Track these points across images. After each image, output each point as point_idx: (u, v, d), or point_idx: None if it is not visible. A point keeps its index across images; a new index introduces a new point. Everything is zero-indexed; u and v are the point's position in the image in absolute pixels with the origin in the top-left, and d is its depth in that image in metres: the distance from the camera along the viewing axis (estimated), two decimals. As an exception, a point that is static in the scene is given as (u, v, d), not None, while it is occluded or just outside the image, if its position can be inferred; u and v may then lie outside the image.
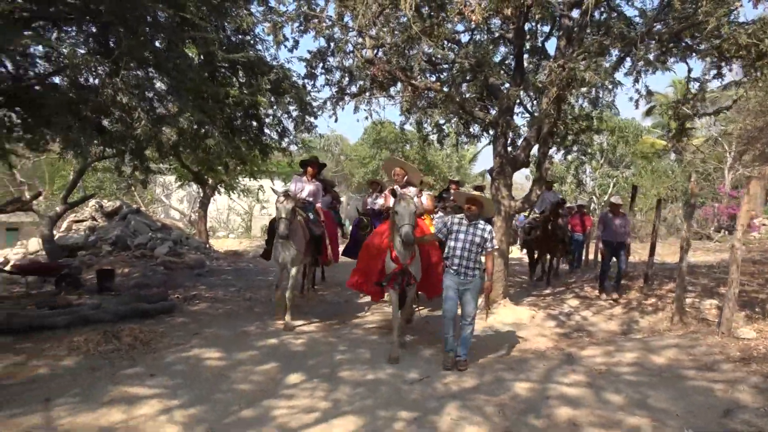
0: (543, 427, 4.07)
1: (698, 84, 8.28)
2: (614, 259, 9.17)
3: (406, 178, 6.75)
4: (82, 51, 5.44)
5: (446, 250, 5.50)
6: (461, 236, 5.38)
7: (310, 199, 7.99)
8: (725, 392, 4.82)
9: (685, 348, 6.20)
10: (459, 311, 5.56)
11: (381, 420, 4.12)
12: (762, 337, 6.04)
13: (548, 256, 10.82)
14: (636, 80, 8.27)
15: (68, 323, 6.25)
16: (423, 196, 6.92)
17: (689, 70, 8.32)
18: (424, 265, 6.03)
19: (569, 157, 12.42)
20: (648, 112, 12.75)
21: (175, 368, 5.10)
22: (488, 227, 5.45)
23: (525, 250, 11.98)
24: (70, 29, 6.88)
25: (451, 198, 8.75)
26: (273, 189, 7.17)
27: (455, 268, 5.36)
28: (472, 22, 6.16)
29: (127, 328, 6.14)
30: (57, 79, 6.97)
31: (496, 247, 5.54)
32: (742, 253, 6.40)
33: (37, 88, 6.69)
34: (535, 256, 10.93)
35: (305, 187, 7.96)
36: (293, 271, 6.94)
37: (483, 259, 5.55)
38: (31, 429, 3.59)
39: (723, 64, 7.35)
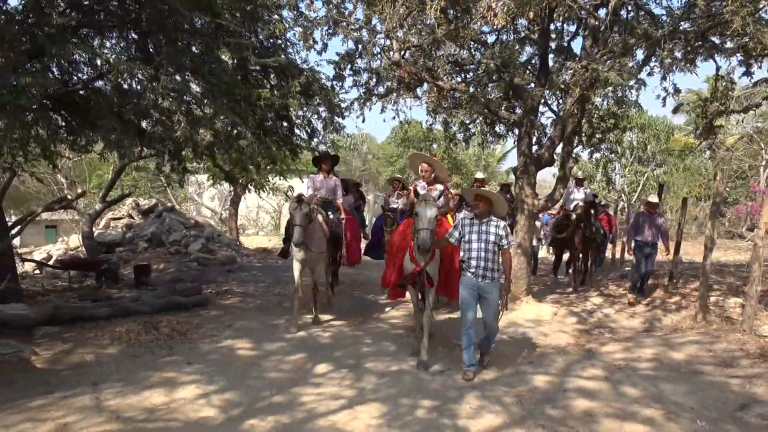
0: (559, 417, 4.23)
1: (726, 82, 8.28)
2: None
3: (433, 174, 6.55)
4: (124, 58, 5.74)
5: (461, 252, 5.20)
6: (474, 236, 5.06)
7: (330, 197, 7.82)
8: (742, 387, 4.91)
9: (705, 345, 6.28)
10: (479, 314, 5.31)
11: (403, 407, 4.34)
12: (781, 331, 6.06)
13: (581, 257, 10.26)
14: (664, 78, 8.31)
15: (109, 315, 6.64)
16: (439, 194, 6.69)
17: (717, 68, 8.31)
18: (446, 266, 5.72)
19: (596, 156, 12.47)
20: (675, 110, 12.68)
21: (210, 357, 5.42)
22: (502, 223, 5.11)
23: (552, 249, 11.86)
24: (111, 36, 7.29)
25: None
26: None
27: (473, 270, 5.03)
28: (494, 27, 6.28)
29: (164, 319, 6.51)
30: (99, 84, 7.40)
31: (513, 244, 5.31)
32: (765, 252, 6.42)
33: (81, 92, 7.11)
34: (563, 256, 10.69)
35: (323, 185, 7.78)
36: (317, 268, 6.95)
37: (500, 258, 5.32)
38: (83, 409, 3.91)
39: (751, 62, 7.35)
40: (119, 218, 14.93)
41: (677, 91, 8.88)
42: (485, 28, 8.14)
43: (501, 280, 5.23)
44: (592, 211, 9.68)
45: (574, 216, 9.64)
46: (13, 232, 7.31)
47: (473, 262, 5.02)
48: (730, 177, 24.11)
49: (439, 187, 6.51)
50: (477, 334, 5.17)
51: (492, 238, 5.01)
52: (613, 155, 21.27)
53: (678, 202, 21.26)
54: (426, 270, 5.36)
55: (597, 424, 4.13)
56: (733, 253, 16.50)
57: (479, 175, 10.08)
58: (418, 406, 4.37)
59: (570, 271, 10.72)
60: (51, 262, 10.93)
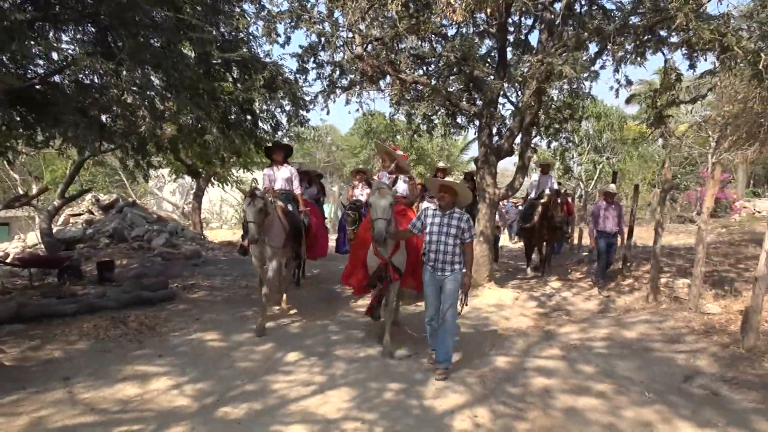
0: (519, 394, 4.50)
1: (674, 74, 8.71)
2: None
3: (393, 164, 6.43)
4: (85, 52, 5.67)
5: (423, 244, 5.11)
6: (435, 228, 4.91)
7: (287, 187, 7.49)
8: (687, 361, 5.29)
9: (654, 323, 6.69)
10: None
11: (372, 391, 4.53)
12: (725, 312, 6.51)
13: (545, 246, 10.15)
14: (616, 70, 8.68)
15: (75, 311, 6.59)
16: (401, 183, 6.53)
17: (665, 61, 8.72)
18: (413, 258, 5.48)
19: (553, 145, 12.89)
20: (628, 101, 13.11)
21: (180, 349, 5.50)
22: (465, 216, 4.93)
23: (519, 238, 11.91)
24: (67, 30, 7.16)
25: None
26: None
27: (432, 263, 4.92)
28: (453, 22, 6.46)
29: (132, 314, 6.53)
30: (57, 78, 7.27)
31: (474, 238, 5.09)
32: (707, 234, 6.86)
33: (38, 87, 6.99)
34: (532, 244, 10.52)
35: (277, 176, 7.47)
36: (273, 264, 6.40)
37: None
38: (56, 403, 3.96)
39: (695, 55, 7.75)
40: (79, 214, 14.60)
41: (629, 82, 9.27)
42: (445, 22, 8.31)
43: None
44: (558, 200, 9.41)
45: (540, 206, 9.55)
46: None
47: (432, 255, 4.90)
48: (680, 164, 25.13)
49: (404, 177, 6.45)
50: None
51: (453, 231, 4.86)
52: (570, 144, 21.91)
53: (632, 188, 22.11)
54: (391, 262, 5.28)
55: (554, 400, 4.41)
56: (684, 237, 17.20)
57: (441, 164, 9.72)
58: (386, 389, 4.57)
59: (534, 257, 10.69)
60: (9, 260, 10.65)
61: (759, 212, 19.89)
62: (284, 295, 7.50)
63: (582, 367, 5.22)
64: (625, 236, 9.16)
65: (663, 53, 8.45)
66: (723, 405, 4.28)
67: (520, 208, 19.57)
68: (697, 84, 18.08)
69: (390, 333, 5.55)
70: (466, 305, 5.03)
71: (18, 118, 7.29)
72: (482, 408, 4.19)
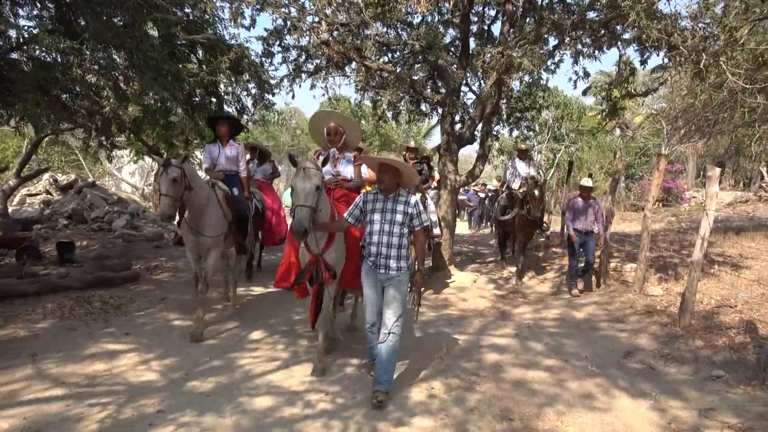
0: (472, 369, 4.79)
1: (628, 67, 9.13)
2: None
3: (344, 138, 5.04)
4: (46, 30, 5.60)
5: (364, 235, 4.24)
6: (376, 216, 4.07)
7: (233, 168, 6.50)
8: (628, 339, 5.70)
9: (602, 305, 7.12)
10: None
11: (335, 366, 4.75)
12: (667, 294, 6.97)
13: (523, 241, 9.06)
14: (575, 62, 9.05)
15: (38, 291, 6.59)
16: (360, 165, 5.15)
17: (620, 55, 9.12)
18: (354, 254, 4.53)
19: (515, 133, 13.29)
20: (584, 92, 13.60)
21: (146, 328, 5.59)
22: (412, 199, 4.11)
23: (481, 228, 11.51)
24: (24, 5, 7.02)
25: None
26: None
27: (372, 258, 4.07)
28: (418, 13, 6.62)
29: (96, 294, 6.58)
30: (13, 56, 7.14)
31: (426, 224, 4.23)
32: (654, 222, 7.31)
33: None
34: (509, 237, 9.85)
35: (221, 154, 6.44)
36: (210, 259, 5.60)
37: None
38: (26, 378, 4.05)
39: (647, 51, 8.15)
40: (35, 194, 14.25)
41: (587, 74, 9.67)
42: (410, 11, 8.47)
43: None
44: (536, 192, 8.28)
45: (519, 196, 8.81)
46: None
47: (373, 248, 4.07)
48: (636, 154, 26.03)
49: (349, 155, 5.15)
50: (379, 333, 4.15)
51: (399, 217, 4.04)
52: (531, 133, 22.44)
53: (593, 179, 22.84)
54: (323, 259, 4.31)
55: (505, 373, 4.72)
56: (637, 225, 17.99)
57: (411, 143, 8.58)
58: (347, 365, 4.80)
59: (515, 253, 9.73)
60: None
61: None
62: (231, 290, 6.68)
63: (533, 344, 5.56)
64: (603, 235, 8.15)
65: (618, 48, 8.88)
66: (658, 377, 4.67)
67: (482, 195, 20.01)
68: (653, 77, 18.81)
69: (323, 350, 4.62)
70: (419, 307, 4.17)
71: None
72: (437, 381, 4.46)
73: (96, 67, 6.08)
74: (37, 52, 6.57)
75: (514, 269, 9.41)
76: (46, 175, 14.51)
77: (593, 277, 8.34)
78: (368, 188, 5.17)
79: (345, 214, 4.27)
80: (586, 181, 8.19)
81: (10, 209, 12.79)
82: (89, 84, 5.87)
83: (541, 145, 25.44)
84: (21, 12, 7.15)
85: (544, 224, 9.28)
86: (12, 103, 6.53)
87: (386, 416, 3.78)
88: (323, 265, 4.31)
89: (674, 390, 4.37)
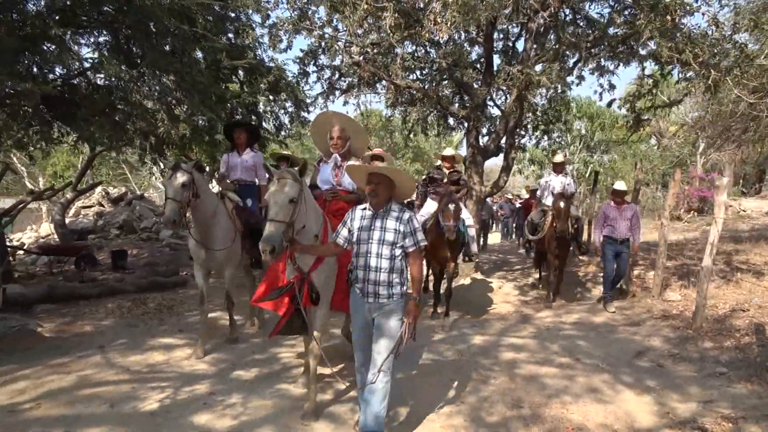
0: (489, 365, 5.22)
1: (653, 80, 9.46)
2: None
3: (348, 144, 4.43)
4: (114, 61, 6.34)
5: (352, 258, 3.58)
6: (363, 234, 3.43)
7: (250, 178, 6.10)
8: (642, 341, 6.02)
9: (621, 309, 7.44)
10: None
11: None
12: (684, 299, 7.23)
13: (556, 263, 8.08)
14: (601, 75, 9.44)
15: (99, 293, 7.34)
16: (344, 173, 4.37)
17: (643, 69, 9.44)
18: (345, 273, 3.80)
19: (542, 145, 13.64)
20: (609, 105, 13.57)
21: (196, 326, 6.19)
22: (406, 215, 3.44)
23: (513, 239, 10.56)
24: (85, 35, 7.82)
25: (444, 180, 7.29)
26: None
27: (359, 285, 3.45)
28: (440, 37, 7.10)
29: (150, 296, 7.27)
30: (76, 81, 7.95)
31: (423, 244, 3.46)
32: (671, 231, 7.60)
33: (59, 89, 7.67)
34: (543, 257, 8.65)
35: (236, 163, 6.09)
36: (227, 273, 5.46)
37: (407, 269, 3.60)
38: (96, 365, 4.70)
39: (663, 67, 8.48)
40: (89, 206, 15.31)
41: (612, 86, 10.01)
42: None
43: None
44: (562, 204, 7.41)
45: (549, 215, 7.96)
46: (5, 219, 7.84)
47: (360, 273, 3.43)
48: (671, 163, 25.83)
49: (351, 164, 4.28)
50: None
51: (390, 236, 3.38)
52: (562, 143, 22.61)
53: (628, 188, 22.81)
54: (309, 279, 3.71)
55: (519, 369, 5.13)
56: (670, 234, 18.03)
57: (448, 151, 7.72)
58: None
59: (542, 275, 8.97)
60: (26, 249, 11.36)
61: (744, 211, 20.63)
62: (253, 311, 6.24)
63: (549, 345, 5.94)
64: (637, 243, 7.60)
65: (636, 64, 9.20)
66: (664, 375, 4.99)
67: (518, 205, 20.28)
68: (678, 88, 18.87)
69: (314, 390, 3.97)
70: (414, 340, 3.44)
71: (36, 117, 8.03)
72: (455, 374, 4.91)
73: (153, 92, 6.79)
74: (99, 80, 7.38)
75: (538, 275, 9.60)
76: (99, 189, 15.55)
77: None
78: None
79: (332, 236, 3.63)
80: (619, 185, 7.60)
81: (67, 220, 13.81)
82: (146, 108, 6.57)
83: (573, 156, 25.52)
84: (81, 40, 8.02)
85: (582, 245, 8.56)
86: (78, 127, 7.32)
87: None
88: (306, 286, 3.67)
89: (678, 385, 4.69)
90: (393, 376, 3.51)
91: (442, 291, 7.28)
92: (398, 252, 3.40)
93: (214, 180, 8.26)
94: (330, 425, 3.84)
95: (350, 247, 3.54)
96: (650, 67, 9.19)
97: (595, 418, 4.03)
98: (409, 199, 6.55)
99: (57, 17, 6.74)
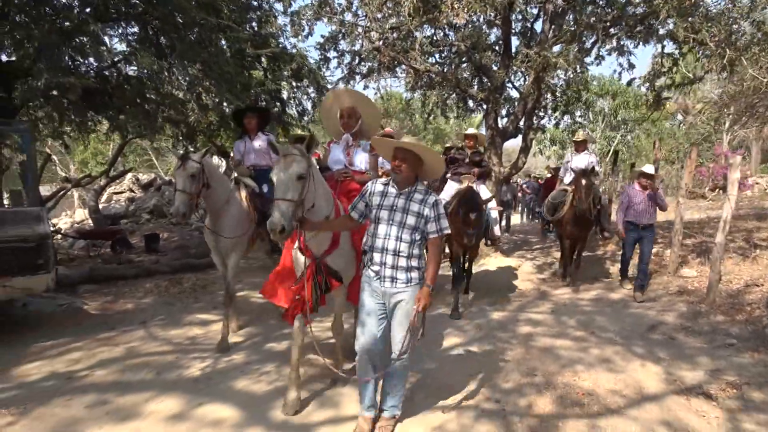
0: (506, 338, 5.49)
1: (672, 59, 9.48)
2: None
3: (360, 122, 4.26)
4: (145, 53, 6.68)
5: (365, 237, 3.37)
6: (384, 214, 3.21)
7: (264, 162, 5.81)
8: (656, 316, 6.21)
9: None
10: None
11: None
12: (700, 276, 7.37)
13: (576, 244, 7.91)
14: (620, 54, 9.49)
15: (136, 274, 7.79)
16: (361, 154, 4.30)
17: (662, 47, 9.46)
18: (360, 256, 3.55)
19: (564, 125, 13.71)
20: (629, 84, 13.48)
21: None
22: (432, 198, 3.23)
23: (536, 220, 9.76)
24: (114, 28, 8.16)
25: (465, 160, 7.01)
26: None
27: (376, 268, 3.23)
28: (457, 23, 7.24)
29: (185, 277, 7.68)
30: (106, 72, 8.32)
31: (446, 231, 3.27)
32: (684, 208, 7.73)
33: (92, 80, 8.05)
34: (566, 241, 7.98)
35: (249, 149, 5.89)
36: (231, 261, 5.27)
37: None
38: (141, 338, 5.11)
39: (680, 45, 8.50)
40: (121, 192, 15.89)
41: (631, 66, 10.05)
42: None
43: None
44: (583, 181, 7.01)
45: (569, 193, 7.62)
46: (48, 205, 8.31)
47: (377, 256, 3.23)
48: (696, 140, 25.48)
49: (365, 143, 4.30)
50: (382, 361, 3.39)
51: (411, 220, 3.18)
52: (584, 122, 22.47)
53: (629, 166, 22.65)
54: (327, 263, 3.56)
55: (535, 342, 5.39)
56: (695, 212, 17.91)
57: (470, 130, 7.44)
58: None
59: (565, 261, 8.29)
60: (64, 233, 11.92)
61: (770, 188, 20.39)
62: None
63: (565, 319, 6.18)
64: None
65: (660, 43, 9.22)
66: (675, 346, 5.20)
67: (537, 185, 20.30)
68: (700, 66, 18.60)
69: (341, 358, 4.13)
70: (422, 335, 3.32)
71: (70, 107, 8.45)
72: (474, 346, 5.19)
73: (182, 82, 7.12)
74: (130, 71, 7.74)
75: (557, 253, 9.50)
76: (129, 175, 16.10)
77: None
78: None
79: (349, 208, 3.42)
80: (649, 168, 7.09)
81: (100, 206, 14.38)
82: (176, 97, 6.91)
83: (595, 133, 25.35)
84: (111, 32, 8.38)
85: (606, 232, 8.20)
86: (111, 116, 7.72)
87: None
88: (325, 270, 3.54)
89: (688, 356, 4.90)
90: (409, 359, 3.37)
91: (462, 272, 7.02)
92: (418, 237, 3.20)
93: None
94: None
95: (365, 221, 3.35)
96: (669, 46, 9.21)
97: (605, 385, 4.27)
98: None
99: (89, 11, 7.12)
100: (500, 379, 4.39)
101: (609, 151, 25.10)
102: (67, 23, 6.63)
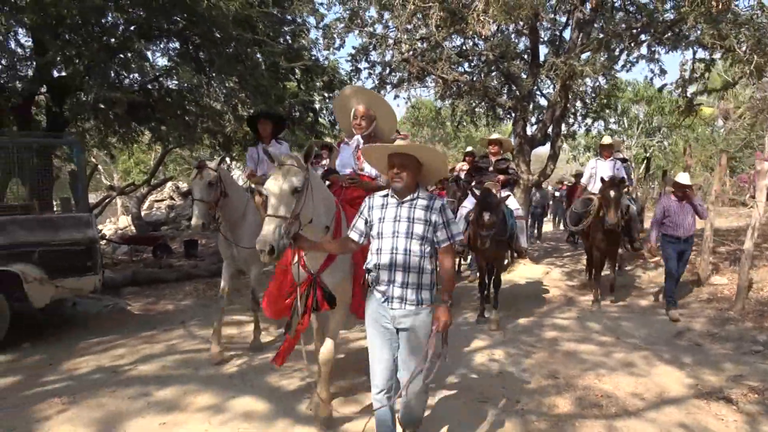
0: (531, 342, 5.59)
1: (703, 65, 9.43)
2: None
3: (374, 123, 3.95)
4: (187, 68, 7.07)
5: (368, 255, 2.95)
6: (387, 227, 2.84)
7: None
8: (683, 322, 6.20)
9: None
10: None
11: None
12: (730, 283, 7.30)
13: (604, 258, 7.28)
14: (651, 61, 9.49)
15: (176, 278, 8.17)
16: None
17: (694, 53, 9.42)
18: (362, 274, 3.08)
19: (595, 131, 13.69)
20: (660, 90, 13.24)
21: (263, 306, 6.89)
22: (437, 203, 2.86)
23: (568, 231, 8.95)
24: (155, 44, 8.61)
25: (489, 169, 6.67)
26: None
27: (382, 288, 2.83)
28: (483, 35, 7.42)
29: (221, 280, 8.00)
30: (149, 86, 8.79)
31: (459, 238, 2.93)
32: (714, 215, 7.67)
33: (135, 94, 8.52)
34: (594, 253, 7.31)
35: (262, 156, 5.43)
36: (253, 272, 5.18)
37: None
38: (180, 336, 5.43)
39: (715, 50, 8.46)
40: (162, 200, 16.52)
41: (663, 72, 10.04)
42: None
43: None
44: (613, 193, 6.38)
45: (595, 202, 7.01)
46: (95, 212, 8.80)
47: (383, 274, 2.83)
48: (736, 146, 24.82)
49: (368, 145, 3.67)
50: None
51: (419, 229, 2.80)
52: (618, 128, 22.22)
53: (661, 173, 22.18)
54: (320, 279, 3.24)
55: (559, 346, 5.48)
56: (733, 220, 17.47)
57: (494, 135, 6.99)
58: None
59: (593, 275, 7.57)
60: (108, 239, 12.52)
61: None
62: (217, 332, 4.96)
63: (591, 325, 6.23)
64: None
65: (690, 49, 9.18)
66: (701, 352, 5.22)
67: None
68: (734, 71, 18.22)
69: (325, 397, 3.66)
70: (445, 359, 2.86)
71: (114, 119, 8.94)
72: (499, 350, 5.32)
73: (219, 95, 7.49)
74: (171, 84, 8.18)
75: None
76: (170, 183, 16.72)
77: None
78: None
79: (349, 231, 3.04)
80: (683, 177, 6.47)
81: (142, 213, 14.99)
82: (215, 109, 7.28)
83: (630, 140, 24.99)
84: (152, 47, 8.84)
85: (636, 241, 7.59)
86: (154, 128, 8.16)
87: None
88: (319, 287, 3.21)
89: (712, 362, 4.92)
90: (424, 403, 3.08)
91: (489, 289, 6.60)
92: (428, 248, 2.81)
93: None
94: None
95: (367, 241, 2.97)
96: (700, 51, 9.16)
97: (625, 388, 4.35)
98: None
99: (133, 28, 7.57)
100: (522, 380, 4.52)
101: (644, 158, 24.72)
102: (113, 40, 7.09)
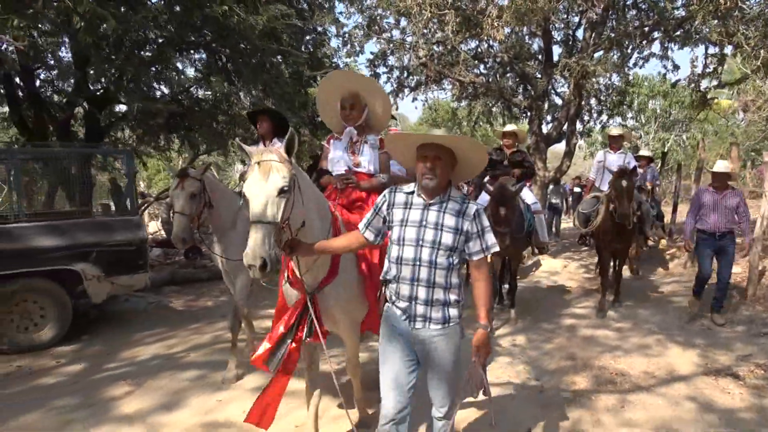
0: (551, 329, 5.93)
1: (715, 60, 9.66)
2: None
3: (365, 113, 3.38)
4: (218, 78, 7.55)
5: (385, 264, 2.54)
6: (411, 233, 2.39)
7: None
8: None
9: (683, 283, 7.84)
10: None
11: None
12: (744, 272, 7.52)
13: (614, 259, 6.93)
14: (664, 57, 9.75)
15: (209, 277, 8.62)
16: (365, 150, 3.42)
17: (706, 48, 9.65)
18: (375, 284, 2.83)
19: (615, 124, 13.91)
20: (673, 85, 13.34)
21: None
22: (472, 208, 2.39)
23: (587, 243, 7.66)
24: (184, 55, 9.10)
25: (504, 162, 6.34)
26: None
27: (403, 305, 2.42)
28: (496, 41, 7.77)
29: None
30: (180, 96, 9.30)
31: (494, 249, 2.42)
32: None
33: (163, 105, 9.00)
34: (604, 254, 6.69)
35: None
36: (238, 283, 4.78)
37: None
38: (223, 328, 5.86)
39: (724, 46, 8.70)
40: (189, 205, 17.04)
41: (676, 67, 10.28)
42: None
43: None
44: (624, 183, 5.78)
45: (602, 199, 6.52)
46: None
47: (404, 289, 2.41)
48: (757, 138, 24.68)
49: (373, 138, 3.43)
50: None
51: (449, 239, 2.36)
52: (636, 123, 22.27)
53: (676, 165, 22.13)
54: (317, 299, 2.73)
55: (577, 331, 5.80)
56: (755, 211, 17.55)
57: (508, 127, 6.65)
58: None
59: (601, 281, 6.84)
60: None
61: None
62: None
63: (609, 312, 6.52)
64: (752, 237, 6.24)
65: (700, 45, 9.42)
66: (712, 335, 5.52)
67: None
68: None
69: (360, 395, 3.50)
70: (487, 395, 2.51)
71: (141, 130, 9.46)
72: (521, 336, 5.67)
73: (246, 103, 7.94)
74: (199, 93, 8.66)
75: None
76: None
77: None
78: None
79: (360, 224, 2.59)
80: (721, 165, 5.86)
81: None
82: (244, 117, 7.72)
83: (648, 135, 25.00)
84: (183, 59, 9.35)
85: (651, 238, 7.10)
86: (186, 136, 8.65)
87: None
88: (316, 309, 2.69)
89: (723, 344, 5.22)
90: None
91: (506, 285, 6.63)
92: (456, 260, 2.39)
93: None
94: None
95: (380, 242, 2.59)
96: (711, 47, 9.38)
97: (638, 367, 4.68)
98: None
99: (166, 42, 8.05)
100: (542, 362, 4.86)
101: (662, 152, 24.72)
102: (148, 54, 7.58)
